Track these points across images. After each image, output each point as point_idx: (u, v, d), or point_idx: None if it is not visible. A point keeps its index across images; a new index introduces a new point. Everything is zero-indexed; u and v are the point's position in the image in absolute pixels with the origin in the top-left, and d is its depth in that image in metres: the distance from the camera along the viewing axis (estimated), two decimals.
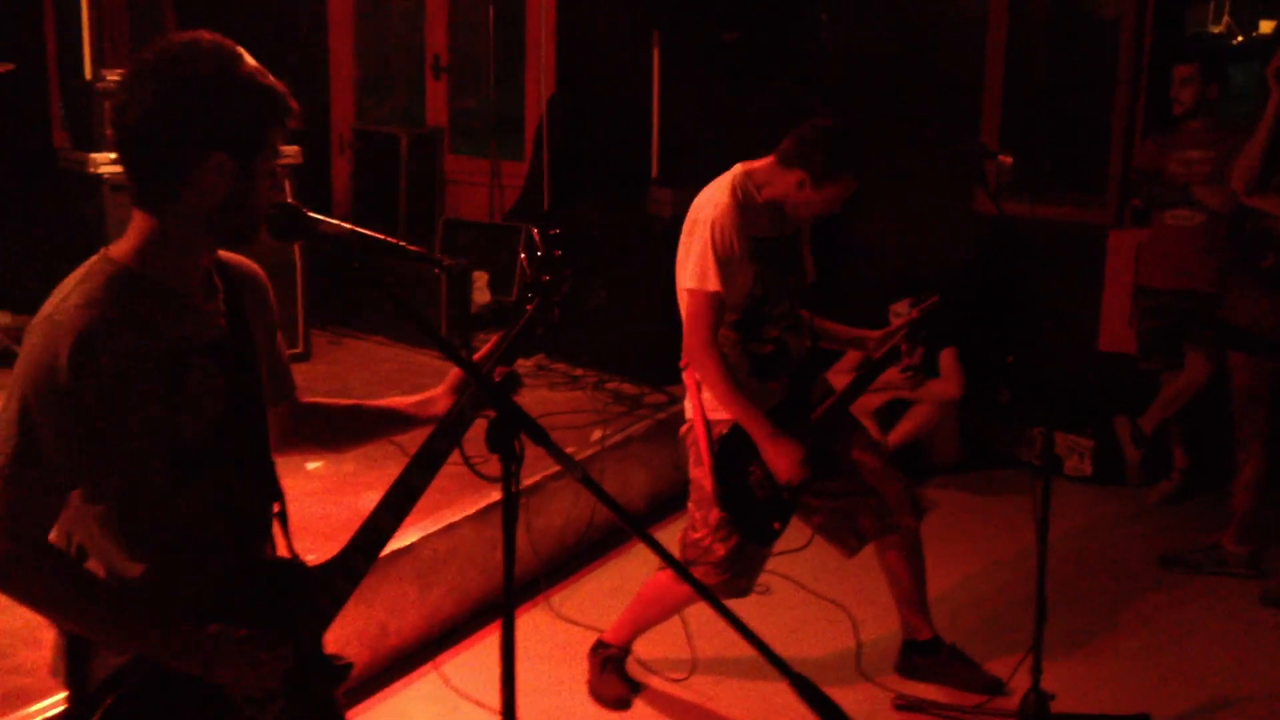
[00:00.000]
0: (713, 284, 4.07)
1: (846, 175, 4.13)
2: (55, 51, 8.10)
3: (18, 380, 2.22)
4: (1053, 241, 7.02)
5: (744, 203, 4.12)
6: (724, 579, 4.26)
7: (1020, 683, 4.20)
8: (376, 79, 9.57)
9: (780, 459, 4.11)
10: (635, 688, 4.56)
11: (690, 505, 4.36)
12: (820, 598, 5.21)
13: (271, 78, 2.33)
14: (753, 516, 4.22)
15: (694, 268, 4.10)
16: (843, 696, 4.44)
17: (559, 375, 6.84)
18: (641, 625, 4.57)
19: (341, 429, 2.81)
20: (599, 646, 4.61)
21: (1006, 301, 7.04)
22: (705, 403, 4.24)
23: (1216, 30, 7.86)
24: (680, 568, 2.34)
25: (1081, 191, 7.40)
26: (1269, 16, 11.20)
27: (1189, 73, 6.12)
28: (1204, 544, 5.75)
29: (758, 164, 4.23)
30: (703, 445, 4.23)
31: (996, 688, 4.49)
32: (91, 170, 6.28)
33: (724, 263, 4.06)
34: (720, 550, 4.24)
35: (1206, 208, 6.14)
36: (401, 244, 2.51)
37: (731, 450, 4.19)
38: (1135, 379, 6.61)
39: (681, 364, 4.32)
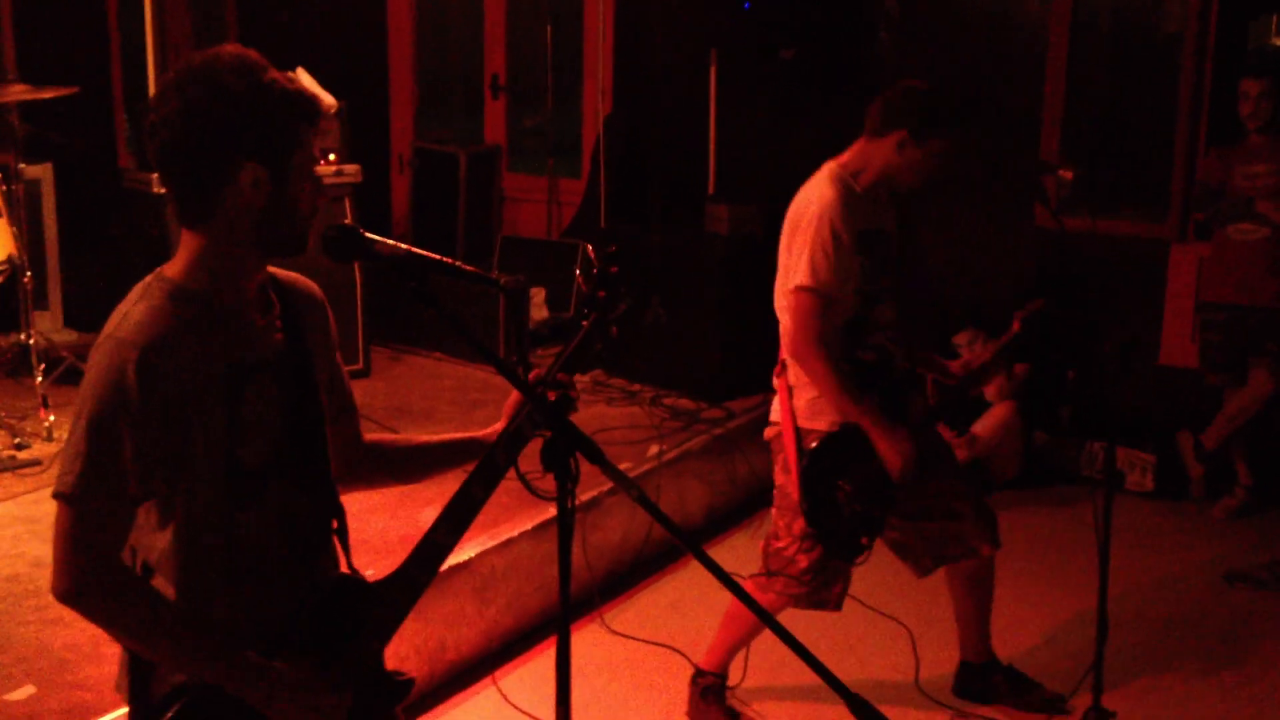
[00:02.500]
0: (823, 280, 3.98)
1: (949, 128, 4.05)
2: (120, 73, 8.22)
3: (85, 399, 2.23)
4: (1114, 256, 6.96)
5: (848, 194, 4.06)
6: (806, 590, 4.20)
7: (1081, 701, 4.15)
8: (436, 98, 9.65)
9: (897, 452, 4.03)
10: (735, 717, 4.47)
11: (774, 512, 4.28)
12: (879, 614, 5.18)
13: (293, 83, 2.33)
14: (840, 532, 4.13)
15: (803, 264, 4.00)
16: (901, 714, 4.46)
17: (616, 391, 6.84)
18: (732, 644, 4.45)
19: (404, 467, 2.80)
20: (697, 675, 4.50)
21: (1067, 317, 6.98)
22: (799, 409, 4.14)
23: (1278, 42, 7.80)
24: (736, 586, 2.31)
25: (1143, 206, 7.35)
26: None
27: (1263, 88, 6.07)
28: (1268, 560, 5.69)
29: (845, 155, 4.17)
30: (790, 454, 4.15)
31: (1057, 705, 4.45)
32: (155, 190, 6.38)
33: (836, 257, 3.98)
34: (803, 561, 4.17)
35: (1270, 221, 6.09)
36: (457, 263, 2.51)
37: (821, 463, 4.10)
38: (1198, 394, 6.55)
39: (776, 370, 4.23)
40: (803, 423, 4.14)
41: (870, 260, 4.10)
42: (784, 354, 4.15)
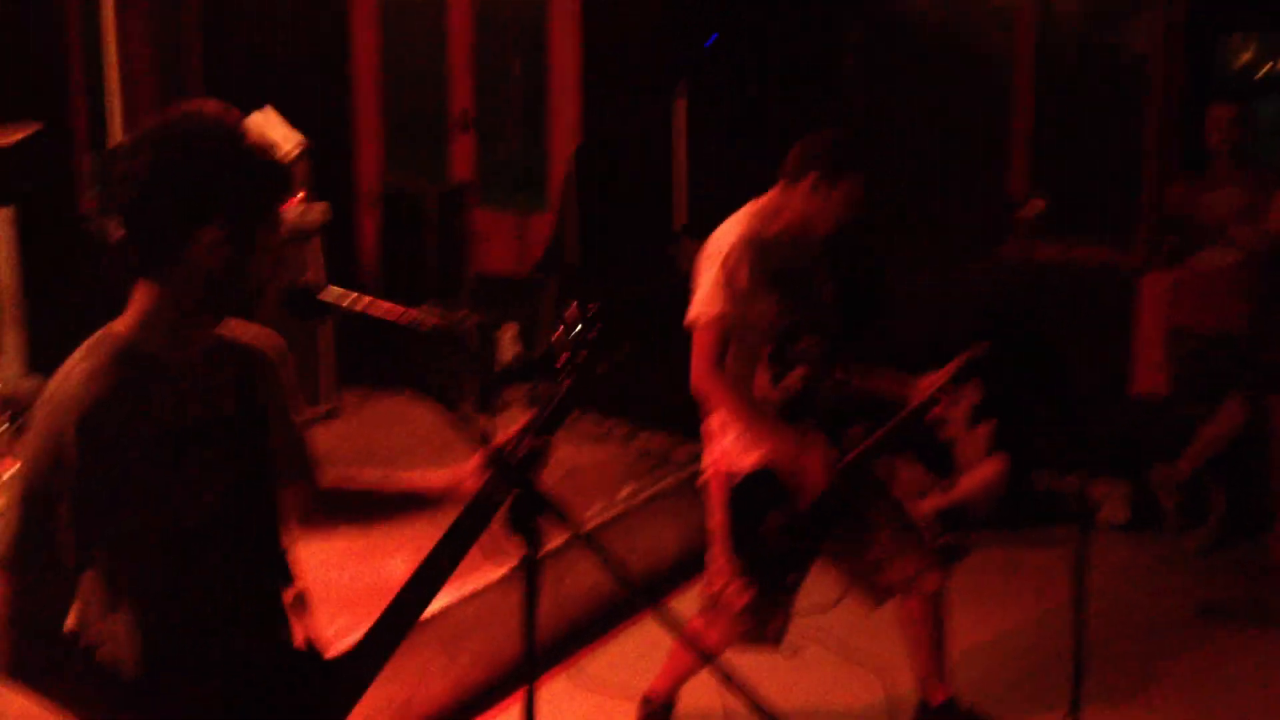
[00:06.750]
0: (716, 307, 4.04)
1: (857, 169, 4.10)
2: (84, 115, 8.13)
3: (25, 461, 2.19)
4: (1081, 285, 6.94)
5: (757, 236, 4.12)
6: (745, 629, 4.24)
7: None
8: (402, 135, 9.59)
9: (810, 463, 4.08)
10: None
11: (708, 557, 4.33)
12: (849, 660, 5.11)
13: (272, 153, 2.32)
14: (769, 568, 4.19)
15: (698, 299, 4.09)
16: None
17: (587, 426, 6.77)
18: (681, 674, 4.48)
19: (364, 510, 2.78)
20: (644, 703, 4.56)
21: (1037, 349, 6.95)
22: (727, 450, 4.21)
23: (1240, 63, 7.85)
24: (689, 640, 2.34)
25: (1111, 233, 7.34)
26: None
27: (1233, 114, 6.06)
28: (1243, 593, 5.65)
29: (764, 197, 4.24)
30: (716, 494, 4.22)
31: None
32: (112, 237, 6.29)
33: (733, 289, 4.04)
34: (738, 602, 4.21)
35: (1242, 247, 6.07)
36: (416, 319, 2.50)
37: (748, 499, 4.17)
38: (1171, 424, 6.51)
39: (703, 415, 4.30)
40: (730, 464, 4.21)
41: (785, 297, 4.14)
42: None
